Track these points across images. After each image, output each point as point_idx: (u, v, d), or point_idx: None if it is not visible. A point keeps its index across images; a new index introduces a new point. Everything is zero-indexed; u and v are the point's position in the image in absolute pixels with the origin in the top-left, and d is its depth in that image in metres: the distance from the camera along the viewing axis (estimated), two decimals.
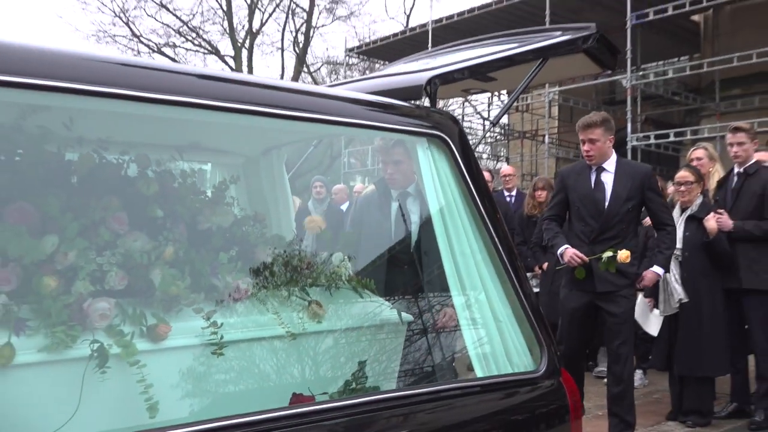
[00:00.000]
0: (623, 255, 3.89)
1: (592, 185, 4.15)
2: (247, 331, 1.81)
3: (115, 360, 1.53)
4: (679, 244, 4.77)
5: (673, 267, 4.79)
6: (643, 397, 5.71)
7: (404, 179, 2.85)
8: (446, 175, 1.96)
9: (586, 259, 4.00)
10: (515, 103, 18.50)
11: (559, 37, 2.39)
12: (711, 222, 4.63)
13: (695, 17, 15.15)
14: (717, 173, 5.29)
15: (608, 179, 4.12)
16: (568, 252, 4.06)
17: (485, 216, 1.96)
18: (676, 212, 4.96)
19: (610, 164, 4.16)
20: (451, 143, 1.97)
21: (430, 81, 2.05)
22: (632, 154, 12.77)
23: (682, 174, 4.90)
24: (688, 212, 4.82)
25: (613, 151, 4.18)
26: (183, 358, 1.68)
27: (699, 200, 4.85)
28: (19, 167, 1.68)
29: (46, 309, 1.52)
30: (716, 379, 5.08)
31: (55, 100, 1.44)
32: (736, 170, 4.98)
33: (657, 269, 4.17)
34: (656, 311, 5.02)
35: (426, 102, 2.06)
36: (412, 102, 2.03)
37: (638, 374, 6.16)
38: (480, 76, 2.52)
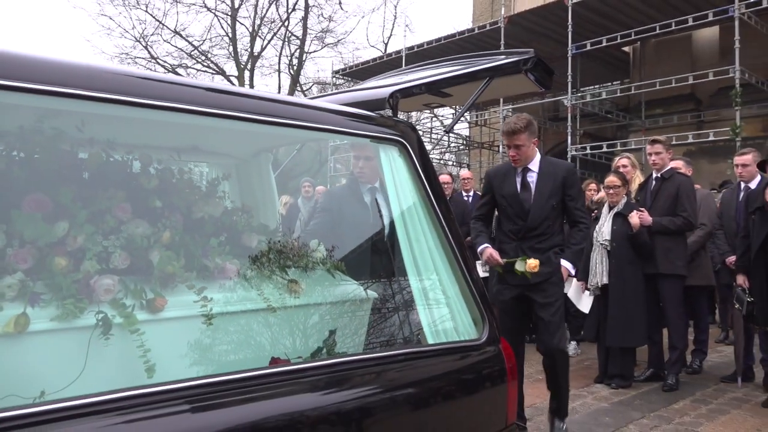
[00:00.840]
0: (532, 264, 3.45)
1: (518, 187, 3.69)
2: (233, 305, 1.79)
3: (117, 328, 1.50)
4: (608, 236, 4.83)
5: (601, 255, 4.84)
6: (576, 364, 5.75)
7: (372, 174, 2.79)
8: (404, 175, 1.96)
9: (501, 261, 3.59)
10: (475, 119, 18.57)
11: (502, 60, 2.39)
12: (634, 218, 4.69)
13: (625, 48, 15.30)
14: (638, 178, 5.39)
15: (533, 179, 3.68)
16: (486, 252, 3.66)
17: (438, 211, 1.96)
18: (605, 210, 5.02)
19: (535, 164, 3.70)
20: (409, 148, 1.96)
21: (392, 95, 2.04)
22: (572, 162, 12.89)
23: (611, 179, 4.95)
24: (615, 210, 4.88)
25: (537, 150, 3.73)
26: (177, 328, 1.67)
27: (624, 200, 4.90)
28: (37, 163, 1.65)
29: (58, 284, 1.50)
30: (636, 349, 5.14)
31: (70, 106, 1.41)
32: (654, 175, 5.04)
33: (564, 263, 3.64)
34: (587, 292, 5.07)
35: (389, 112, 2.05)
36: (377, 112, 2.02)
37: (572, 345, 6.22)
38: (435, 91, 2.51)
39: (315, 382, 1.58)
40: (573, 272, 3.73)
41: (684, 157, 6.19)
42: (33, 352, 1.45)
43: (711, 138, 11.43)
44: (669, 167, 4.97)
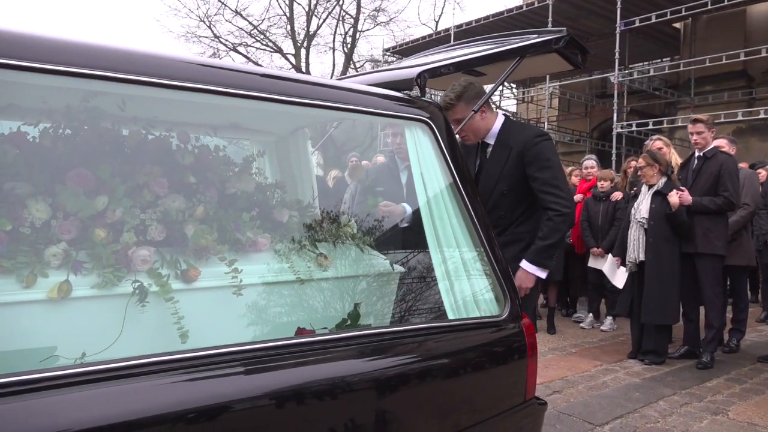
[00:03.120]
0: None
1: (476, 168, 2.75)
2: (264, 276, 1.81)
3: (153, 296, 1.54)
4: (645, 214, 4.67)
5: (638, 232, 4.69)
6: (611, 339, 5.64)
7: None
8: (430, 155, 1.92)
9: None
10: (522, 95, 18.13)
11: (533, 39, 2.31)
12: (674, 197, 4.51)
13: (676, 24, 14.56)
14: (672, 156, 5.18)
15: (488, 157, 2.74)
16: None
17: (463, 190, 1.92)
18: (643, 188, 4.84)
19: (491, 137, 2.71)
20: (435, 127, 1.92)
21: (419, 75, 2.00)
22: (617, 139, 12.47)
23: (639, 161, 4.82)
24: (654, 188, 4.70)
25: (496, 117, 2.72)
26: (209, 297, 1.70)
27: (664, 179, 4.72)
28: (80, 140, 1.69)
29: (98, 254, 1.54)
30: (672, 326, 4.99)
31: (112, 88, 1.43)
32: (696, 154, 4.82)
33: (524, 265, 2.54)
34: (622, 268, 4.94)
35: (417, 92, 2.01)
36: (405, 92, 1.98)
37: (608, 320, 6.09)
38: (469, 70, 2.45)
39: (339, 354, 1.58)
40: (543, 275, 2.59)
41: (728, 135, 5.90)
42: (75, 316, 1.50)
43: (762, 116, 10.84)
44: (712, 146, 4.73)
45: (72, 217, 1.56)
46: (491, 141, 2.71)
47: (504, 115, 2.76)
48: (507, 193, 2.65)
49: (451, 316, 1.87)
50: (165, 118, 1.94)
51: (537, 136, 2.64)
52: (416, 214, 1.91)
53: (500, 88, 17.94)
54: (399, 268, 2.09)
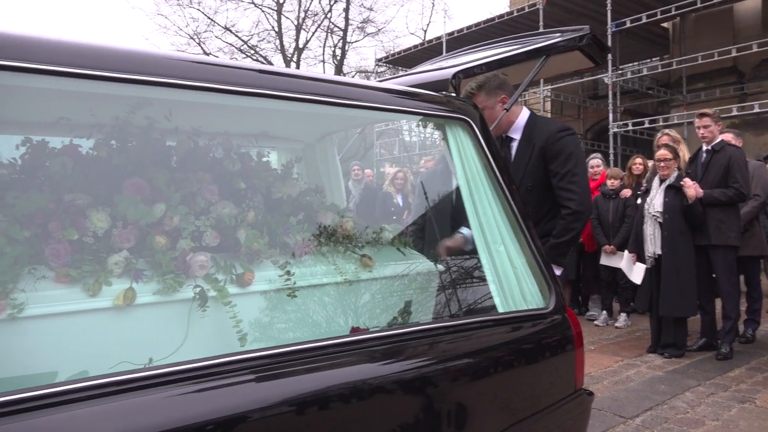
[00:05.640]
0: None
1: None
2: (314, 278, 1.82)
3: (212, 301, 1.56)
4: (659, 208, 4.70)
5: (653, 227, 4.73)
6: (627, 335, 5.66)
7: None
8: (470, 151, 1.95)
9: None
10: (517, 99, 18.21)
11: (558, 38, 2.35)
12: (691, 189, 4.54)
13: (665, 24, 14.74)
14: (683, 151, 5.21)
15: (514, 151, 2.71)
16: None
17: (502, 184, 1.95)
18: (655, 182, 4.88)
19: (516, 131, 2.70)
20: (473, 125, 1.95)
21: (455, 75, 2.03)
22: (613, 139, 12.55)
23: (663, 153, 4.81)
24: (667, 182, 4.74)
25: (521, 111, 2.72)
26: (264, 300, 1.71)
27: (675, 173, 4.77)
28: (134, 150, 1.71)
29: (158, 261, 1.55)
30: (688, 319, 5.02)
31: (158, 94, 1.45)
32: (704, 148, 4.88)
33: None
34: (639, 264, 4.97)
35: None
36: (441, 92, 2.01)
37: (623, 316, 6.11)
38: (495, 71, 2.49)
39: (391, 350, 1.59)
40: (557, 272, 2.54)
41: (733, 129, 5.97)
42: (140, 322, 1.51)
43: (756, 110, 10.95)
44: (719, 139, 4.79)
45: (131, 226, 1.57)
46: (516, 136, 2.68)
47: (529, 110, 2.75)
48: (532, 189, 2.62)
49: (500, 309, 1.89)
50: (209, 126, 1.96)
51: (559, 131, 2.62)
52: (461, 211, 1.93)
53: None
54: (445, 265, 2.11)
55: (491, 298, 1.91)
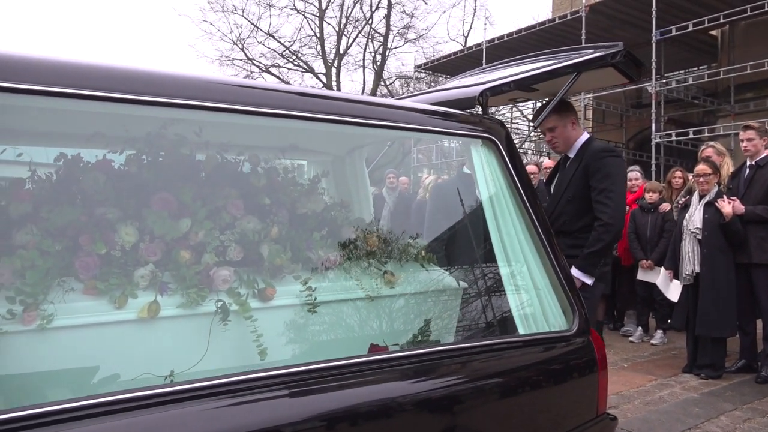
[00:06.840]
0: None
1: (556, 177, 3.06)
2: (335, 294, 1.84)
3: (234, 315, 1.59)
4: (699, 225, 4.58)
5: (692, 244, 4.60)
6: (663, 353, 5.51)
7: None
8: (495, 170, 1.94)
9: None
10: None
11: (591, 54, 2.31)
12: (727, 207, 4.41)
13: (713, 32, 14.31)
14: (726, 165, 5.03)
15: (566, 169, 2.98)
16: None
17: (527, 203, 1.94)
18: (695, 198, 4.75)
19: (574, 150, 2.96)
20: (499, 144, 1.94)
21: (482, 93, 2.02)
22: (656, 149, 12.25)
23: (701, 167, 4.68)
24: (706, 198, 4.61)
25: (582, 133, 2.98)
26: (286, 315, 1.73)
27: (715, 189, 4.63)
28: (161, 166, 1.76)
29: (182, 275, 1.59)
30: (727, 340, 4.86)
31: (188, 114, 1.49)
32: (748, 163, 4.72)
33: (574, 272, 2.68)
34: (675, 281, 4.84)
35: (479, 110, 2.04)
36: (467, 110, 2.01)
37: (659, 333, 5.95)
38: (524, 87, 2.46)
39: (411, 369, 1.59)
40: (588, 281, 2.76)
41: None
42: (164, 334, 1.56)
43: None
44: (765, 154, 4.62)
45: (157, 240, 1.62)
46: (572, 155, 2.95)
47: (588, 133, 3.03)
48: (572, 200, 2.86)
49: (521, 331, 1.87)
50: (236, 142, 2.00)
51: (603, 151, 2.88)
52: (484, 229, 1.92)
53: (533, 102, 17.86)
54: (467, 284, 2.10)
55: (513, 319, 1.90)
